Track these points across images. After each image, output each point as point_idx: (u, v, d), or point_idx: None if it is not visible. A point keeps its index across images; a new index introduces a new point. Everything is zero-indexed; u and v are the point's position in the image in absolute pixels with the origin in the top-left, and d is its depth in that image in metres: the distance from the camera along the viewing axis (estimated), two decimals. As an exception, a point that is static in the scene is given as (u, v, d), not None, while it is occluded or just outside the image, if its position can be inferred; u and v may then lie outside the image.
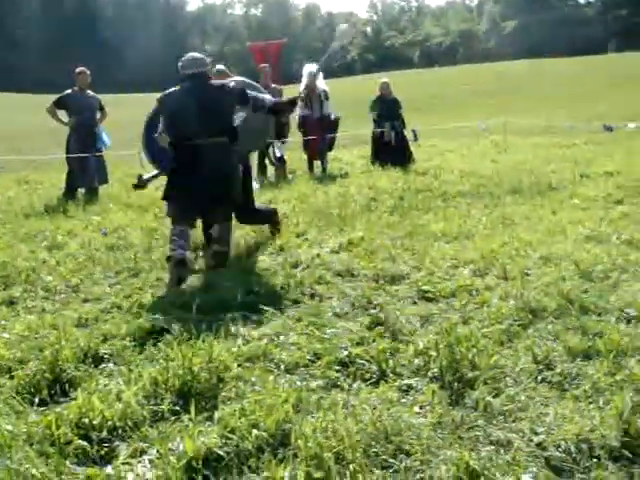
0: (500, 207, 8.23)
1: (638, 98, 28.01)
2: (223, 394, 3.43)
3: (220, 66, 8.15)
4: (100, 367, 3.86)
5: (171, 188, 5.83)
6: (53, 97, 10.68)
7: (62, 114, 10.51)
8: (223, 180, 5.84)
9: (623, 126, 20.31)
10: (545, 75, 41.03)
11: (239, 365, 3.75)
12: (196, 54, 6.03)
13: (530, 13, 77.52)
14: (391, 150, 13.14)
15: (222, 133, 5.79)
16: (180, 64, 5.90)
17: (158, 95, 6.01)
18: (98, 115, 10.67)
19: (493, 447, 2.94)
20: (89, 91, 10.63)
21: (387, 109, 13.39)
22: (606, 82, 35.59)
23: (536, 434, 3.02)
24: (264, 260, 6.19)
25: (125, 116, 20.85)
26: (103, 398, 3.29)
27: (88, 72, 10.58)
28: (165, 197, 5.90)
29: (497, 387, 3.45)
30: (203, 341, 3.89)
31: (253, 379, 3.56)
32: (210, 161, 5.70)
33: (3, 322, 4.66)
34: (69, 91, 10.52)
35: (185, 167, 5.75)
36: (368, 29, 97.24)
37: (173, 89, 5.91)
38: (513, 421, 3.14)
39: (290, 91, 12.82)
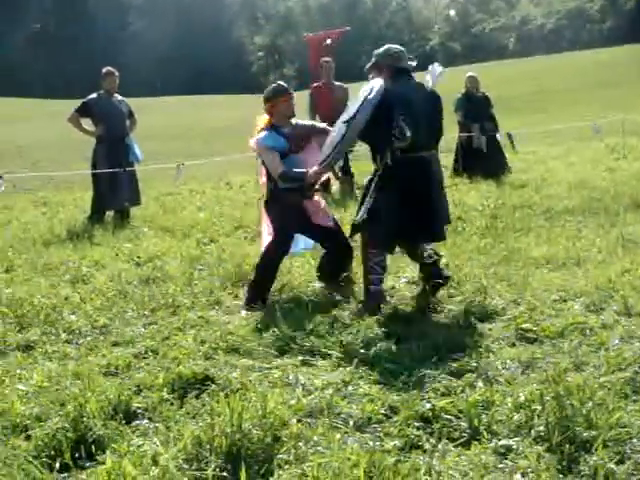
0: (619, 226, 8.07)
1: None
2: (280, 456, 3.43)
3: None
4: (133, 424, 3.91)
5: (384, 208, 5.73)
6: (73, 103, 10.93)
7: (87, 123, 10.78)
8: (444, 197, 6.07)
9: None
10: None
11: (299, 421, 3.75)
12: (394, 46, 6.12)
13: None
14: (482, 158, 13.07)
15: (437, 144, 6.06)
16: (391, 52, 5.96)
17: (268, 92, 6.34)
18: (127, 123, 10.90)
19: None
20: (117, 95, 10.86)
21: (475, 108, 13.35)
22: None
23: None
24: (327, 293, 6.21)
25: (153, 123, 21.24)
26: (136, 462, 3.33)
27: (117, 73, 10.82)
28: (370, 218, 5.76)
29: (620, 451, 3.36)
30: (255, 392, 3.92)
31: (315, 438, 3.55)
32: (434, 176, 5.92)
33: (19, 371, 4.76)
34: (94, 95, 10.75)
35: (407, 182, 5.76)
36: (452, 12, 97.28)
37: (383, 81, 5.80)
38: (642, 494, 3.06)
39: (357, 89, 12.93)
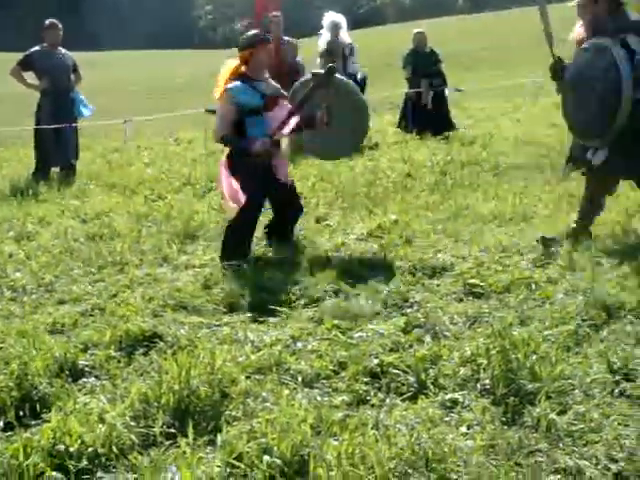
0: (564, 182, 8.15)
1: None
2: (228, 413, 3.44)
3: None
4: (79, 382, 3.88)
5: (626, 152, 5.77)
6: (16, 56, 10.70)
7: (30, 77, 10.54)
8: None
9: None
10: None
11: (247, 377, 3.76)
12: None
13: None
14: (429, 115, 13.09)
15: None
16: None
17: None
18: (72, 77, 10.68)
19: (559, 477, 2.92)
20: (61, 48, 10.61)
21: (423, 65, 13.32)
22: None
23: (613, 461, 2.98)
24: (276, 250, 6.19)
25: (101, 78, 20.81)
26: (82, 420, 3.30)
27: (60, 26, 10.57)
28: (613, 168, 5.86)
29: (563, 402, 3.42)
30: (203, 349, 3.90)
31: (264, 394, 3.57)
32: None
33: (-38, 329, 4.68)
34: (37, 48, 10.51)
35: None
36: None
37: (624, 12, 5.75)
38: (584, 445, 3.11)
39: (308, 45, 12.79)
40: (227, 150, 6.25)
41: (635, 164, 5.81)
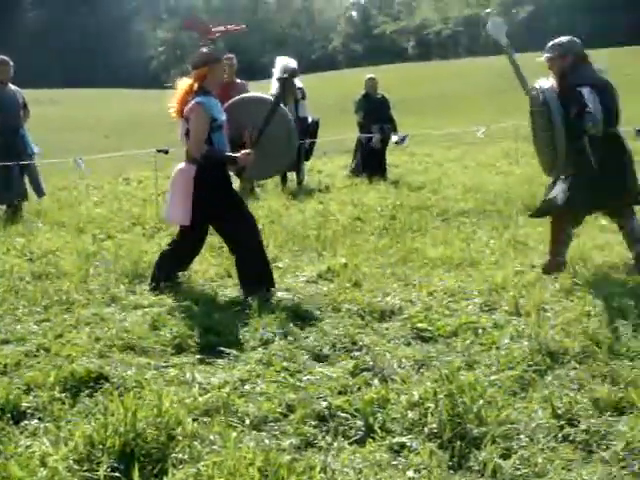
0: (511, 229, 8.28)
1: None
2: (174, 456, 3.39)
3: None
4: (21, 424, 3.80)
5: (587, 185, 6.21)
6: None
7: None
8: None
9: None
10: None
11: (194, 420, 3.72)
12: None
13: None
14: (380, 159, 13.29)
15: None
16: (571, 44, 6.46)
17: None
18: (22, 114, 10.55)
19: (504, 520, 2.93)
20: (11, 85, 10.50)
21: (374, 110, 13.50)
22: None
23: (556, 504, 3.01)
24: (227, 292, 6.17)
25: (51, 115, 20.68)
26: (23, 463, 3.23)
27: (11, 63, 10.46)
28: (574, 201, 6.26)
29: (508, 447, 3.44)
30: (151, 390, 3.86)
31: (211, 437, 3.53)
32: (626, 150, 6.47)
33: None
34: (-16, 84, 10.37)
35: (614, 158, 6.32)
36: (354, 13, 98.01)
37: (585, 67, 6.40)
38: (528, 488, 3.13)
39: (259, 89, 12.86)
40: (194, 162, 6.05)
41: (601, 196, 6.23)
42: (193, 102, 5.95)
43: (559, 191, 6.34)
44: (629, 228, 6.43)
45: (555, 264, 6.38)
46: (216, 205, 6.04)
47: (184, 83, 6.13)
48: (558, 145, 6.22)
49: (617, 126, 6.44)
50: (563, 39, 6.56)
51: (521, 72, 6.46)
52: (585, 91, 6.12)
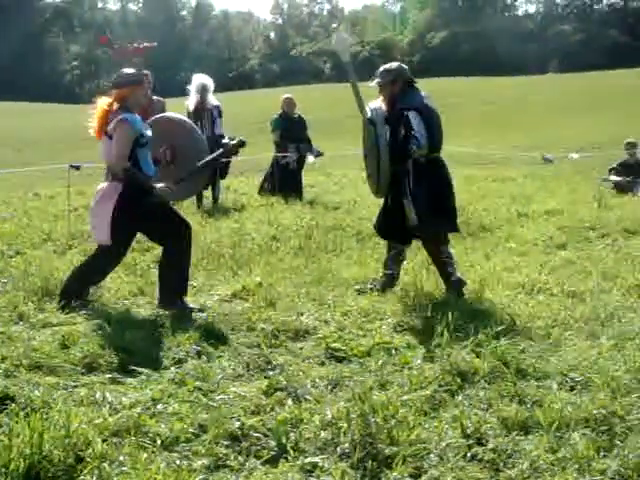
0: (423, 249, 8.38)
1: (584, 124, 29.38)
2: (82, 478, 3.33)
3: None
4: None
5: (433, 208, 6.50)
6: None
7: None
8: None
9: (567, 157, 21.16)
10: (477, 95, 42.50)
11: (104, 441, 3.65)
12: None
13: (462, 24, 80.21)
14: (295, 178, 13.38)
15: None
16: (400, 69, 6.72)
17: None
18: None
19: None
20: None
21: (291, 129, 13.56)
22: (547, 106, 37.20)
23: (465, 522, 3.06)
24: (140, 310, 6.09)
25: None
26: None
27: None
28: (424, 220, 6.49)
29: (419, 466, 3.49)
30: (59, 411, 3.78)
31: (121, 458, 3.48)
32: (447, 174, 6.76)
33: None
34: None
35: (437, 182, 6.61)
36: (272, 34, 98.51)
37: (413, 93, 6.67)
38: (438, 507, 3.18)
39: (175, 105, 12.81)
40: (118, 180, 6.01)
41: (442, 219, 6.61)
42: (118, 118, 5.92)
43: (413, 219, 6.54)
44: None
45: (456, 284, 6.47)
46: (144, 216, 6.03)
47: (104, 102, 6.07)
48: (382, 165, 6.46)
49: (439, 152, 6.70)
50: (393, 65, 6.83)
51: (359, 92, 6.55)
52: (411, 115, 6.41)
